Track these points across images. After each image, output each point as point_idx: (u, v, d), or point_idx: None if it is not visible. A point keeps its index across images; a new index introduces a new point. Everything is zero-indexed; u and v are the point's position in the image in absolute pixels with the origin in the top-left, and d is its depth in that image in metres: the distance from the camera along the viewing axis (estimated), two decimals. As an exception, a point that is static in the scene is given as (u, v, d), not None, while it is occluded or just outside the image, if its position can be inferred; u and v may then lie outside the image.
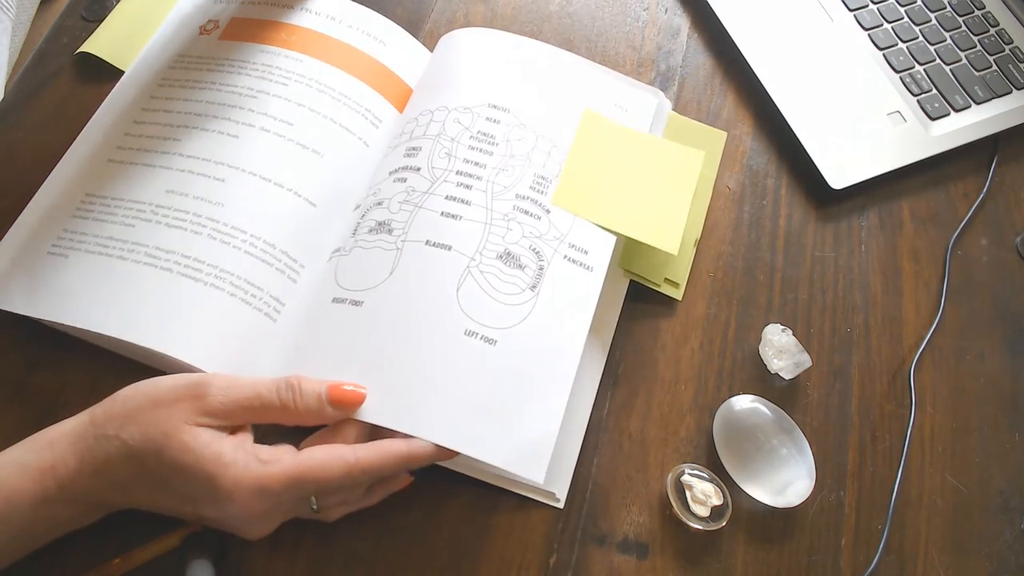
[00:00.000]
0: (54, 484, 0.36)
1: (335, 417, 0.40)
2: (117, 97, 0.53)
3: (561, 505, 0.45)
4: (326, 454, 0.38)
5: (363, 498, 0.42)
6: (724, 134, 0.59)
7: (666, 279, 0.52)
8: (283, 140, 0.51)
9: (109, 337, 0.44)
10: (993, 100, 0.62)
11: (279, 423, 0.40)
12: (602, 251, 0.49)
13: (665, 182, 0.54)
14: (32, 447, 0.37)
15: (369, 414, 0.42)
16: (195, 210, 0.48)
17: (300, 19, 0.57)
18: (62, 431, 0.38)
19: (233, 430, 0.39)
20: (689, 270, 0.53)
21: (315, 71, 0.54)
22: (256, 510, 0.37)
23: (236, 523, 0.38)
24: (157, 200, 0.48)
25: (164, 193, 0.48)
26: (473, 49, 0.56)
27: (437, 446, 0.40)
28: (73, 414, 0.39)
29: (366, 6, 0.58)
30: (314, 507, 0.40)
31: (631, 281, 0.52)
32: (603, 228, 0.50)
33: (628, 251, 0.51)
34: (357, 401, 0.41)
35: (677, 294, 0.52)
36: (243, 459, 0.36)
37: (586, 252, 0.49)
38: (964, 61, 0.64)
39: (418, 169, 0.50)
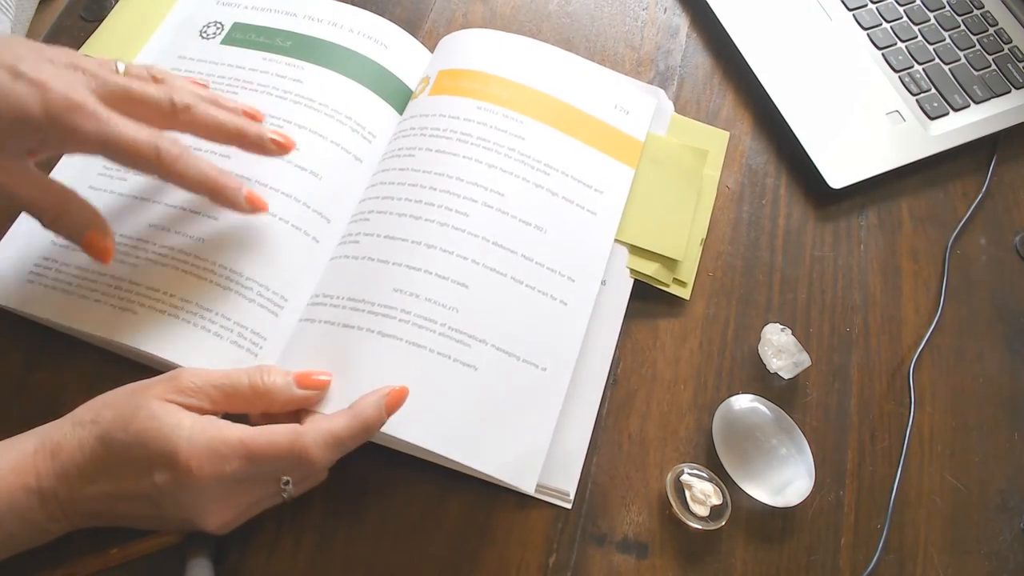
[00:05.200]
0: (33, 479, 0.37)
1: (302, 399, 0.41)
2: None
3: (570, 505, 0.45)
4: (275, 426, 0.38)
5: (317, 477, 0.42)
6: (727, 134, 0.59)
7: (674, 279, 0.52)
8: (294, 167, 0.50)
9: (103, 338, 0.45)
10: (992, 99, 0.62)
11: (249, 411, 0.41)
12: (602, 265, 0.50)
13: (670, 184, 0.54)
14: (15, 439, 0.38)
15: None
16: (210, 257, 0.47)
17: (302, 26, 0.57)
18: (44, 426, 0.39)
19: (201, 413, 0.39)
20: (696, 269, 0.53)
21: (324, 89, 0.53)
22: (207, 474, 0.36)
23: (193, 501, 0.37)
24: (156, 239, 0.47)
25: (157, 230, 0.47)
26: (473, 52, 0.56)
27: (380, 407, 0.40)
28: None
29: (365, 7, 0.58)
30: (286, 494, 0.40)
31: (633, 281, 0.52)
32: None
33: (636, 254, 0.52)
34: (323, 384, 0.42)
35: (685, 294, 0.52)
36: (199, 423, 0.37)
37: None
38: (963, 60, 0.64)
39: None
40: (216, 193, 0.43)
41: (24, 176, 0.40)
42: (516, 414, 0.44)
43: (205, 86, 0.48)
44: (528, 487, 0.43)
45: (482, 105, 0.52)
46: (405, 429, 0.42)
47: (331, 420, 0.39)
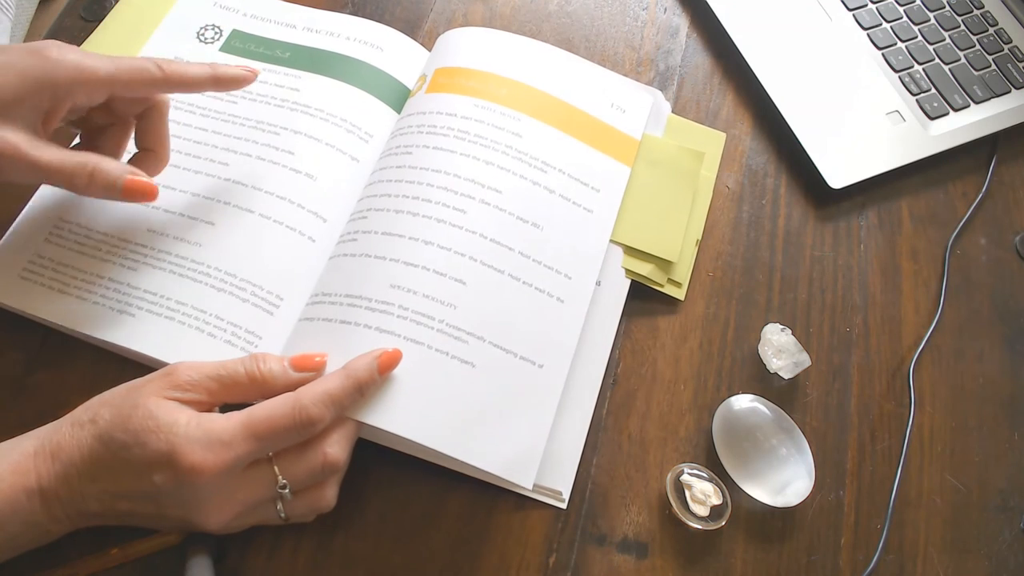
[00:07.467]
0: (35, 480, 0.37)
1: (300, 382, 0.41)
2: None
3: (564, 505, 0.45)
4: (272, 400, 0.39)
5: (322, 494, 0.41)
6: (723, 135, 0.59)
7: (669, 280, 0.52)
8: (289, 171, 0.51)
9: (101, 339, 0.45)
10: (992, 99, 0.62)
11: (248, 400, 0.41)
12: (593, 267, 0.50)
13: (666, 185, 0.54)
14: (15, 441, 0.39)
15: (360, 414, 0.42)
16: (187, 255, 0.47)
17: (301, 37, 0.57)
18: (43, 427, 0.39)
19: (201, 407, 0.39)
20: (691, 270, 0.53)
21: (320, 95, 0.54)
22: (211, 465, 0.36)
23: (193, 497, 0.37)
24: (142, 240, 0.48)
25: (145, 232, 0.48)
26: (469, 50, 0.56)
27: (372, 367, 0.41)
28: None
29: (366, 7, 0.58)
30: (282, 515, 0.40)
31: (630, 281, 0.52)
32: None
33: (631, 255, 0.52)
34: (319, 365, 0.42)
35: (680, 294, 0.52)
36: (195, 419, 0.38)
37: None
38: (963, 60, 0.64)
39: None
40: (218, 81, 0.47)
41: (43, 147, 0.42)
42: (513, 411, 0.44)
43: None
44: (526, 483, 0.43)
45: (479, 103, 0.52)
46: (402, 424, 0.42)
47: (325, 381, 0.40)
